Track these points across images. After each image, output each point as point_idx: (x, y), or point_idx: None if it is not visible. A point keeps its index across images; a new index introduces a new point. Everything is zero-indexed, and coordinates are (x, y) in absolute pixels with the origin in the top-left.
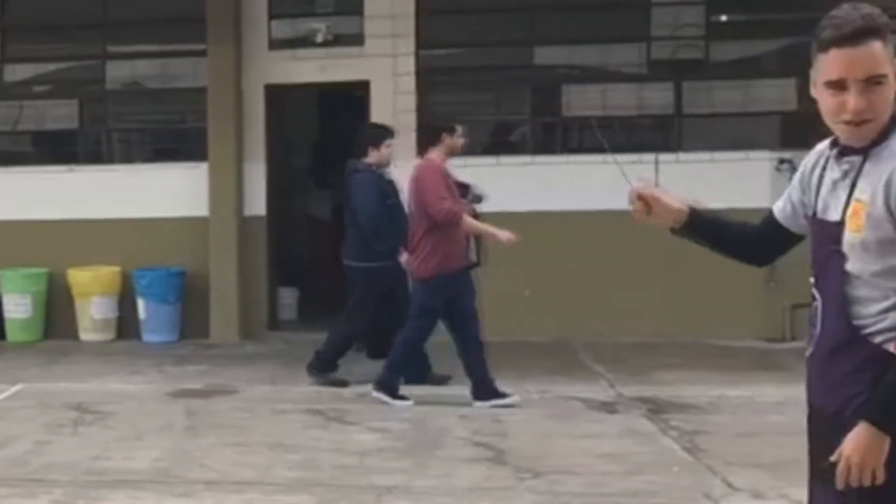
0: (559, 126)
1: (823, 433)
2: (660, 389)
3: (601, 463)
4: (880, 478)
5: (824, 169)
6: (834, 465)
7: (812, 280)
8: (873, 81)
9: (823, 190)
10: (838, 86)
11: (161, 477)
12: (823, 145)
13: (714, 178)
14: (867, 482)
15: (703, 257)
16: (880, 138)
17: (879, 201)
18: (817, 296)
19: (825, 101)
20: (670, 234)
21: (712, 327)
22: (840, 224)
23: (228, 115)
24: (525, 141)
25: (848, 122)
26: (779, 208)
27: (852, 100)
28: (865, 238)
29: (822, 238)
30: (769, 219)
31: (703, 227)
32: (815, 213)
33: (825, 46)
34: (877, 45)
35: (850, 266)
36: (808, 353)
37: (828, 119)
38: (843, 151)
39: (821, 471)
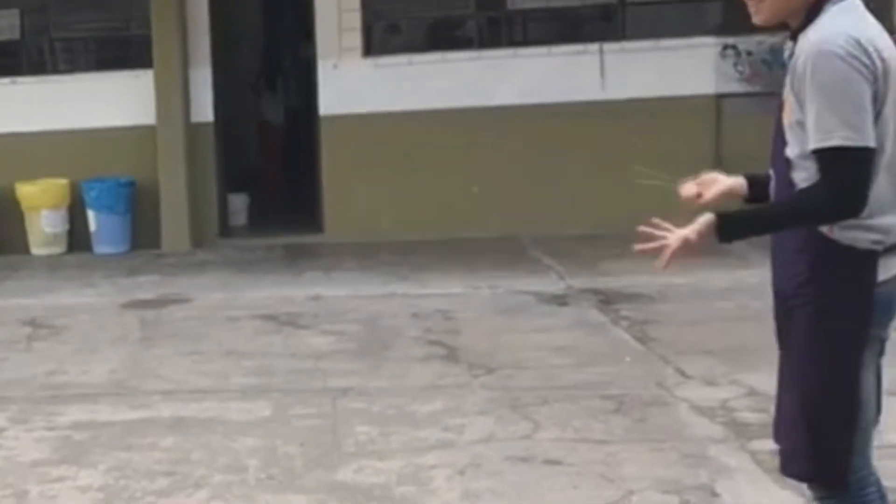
0: (504, 20)
1: (778, 314)
2: (609, 280)
3: (553, 356)
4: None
5: None
6: None
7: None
8: None
9: None
10: None
11: (117, 389)
12: None
13: (658, 65)
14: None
15: (645, 150)
16: (807, 21)
17: (789, 85)
18: (773, 176)
19: None
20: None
21: (657, 217)
22: (781, 108)
23: (172, 19)
24: (470, 35)
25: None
26: None
27: None
28: (791, 121)
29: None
30: None
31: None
32: None
33: None
34: None
35: (789, 150)
36: None
37: None
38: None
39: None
